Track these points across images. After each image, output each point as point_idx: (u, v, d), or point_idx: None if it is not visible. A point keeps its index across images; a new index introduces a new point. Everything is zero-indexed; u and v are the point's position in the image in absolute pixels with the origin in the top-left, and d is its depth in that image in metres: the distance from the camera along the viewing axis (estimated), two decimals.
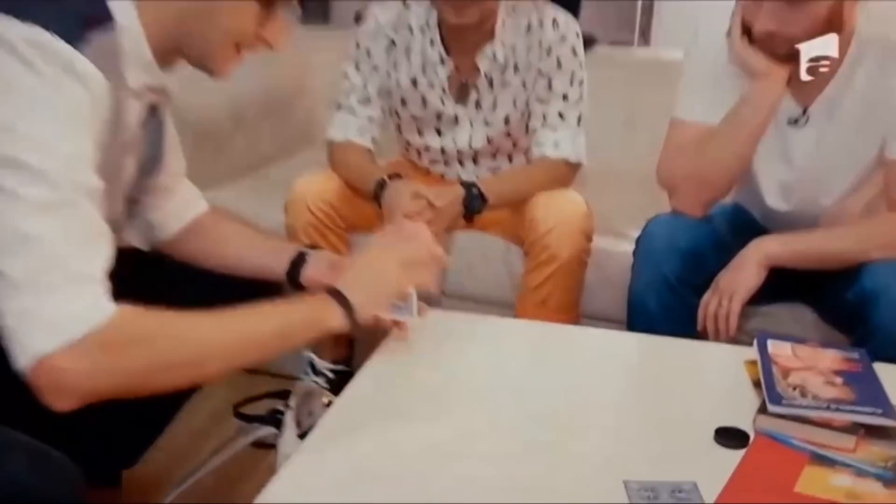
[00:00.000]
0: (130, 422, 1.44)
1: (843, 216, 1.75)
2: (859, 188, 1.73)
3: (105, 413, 1.06)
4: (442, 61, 2.02)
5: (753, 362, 1.36)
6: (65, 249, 0.99)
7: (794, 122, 1.72)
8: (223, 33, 1.20)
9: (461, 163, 2.13)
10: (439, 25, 2.01)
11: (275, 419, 1.55)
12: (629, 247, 1.78)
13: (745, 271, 1.65)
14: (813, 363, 1.33)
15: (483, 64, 2.01)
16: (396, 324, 1.37)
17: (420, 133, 2.12)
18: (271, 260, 1.46)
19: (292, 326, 1.17)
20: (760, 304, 1.75)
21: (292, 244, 1.59)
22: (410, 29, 2.04)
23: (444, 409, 1.25)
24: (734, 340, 1.63)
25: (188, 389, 1.47)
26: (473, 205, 1.95)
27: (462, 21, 1.91)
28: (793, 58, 1.61)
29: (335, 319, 1.20)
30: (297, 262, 1.45)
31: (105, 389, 1.01)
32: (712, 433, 1.19)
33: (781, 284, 1.70)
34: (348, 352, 2.12)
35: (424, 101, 2.07)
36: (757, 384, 1.31)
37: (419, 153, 2.17)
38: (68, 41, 1.02)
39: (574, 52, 2.00)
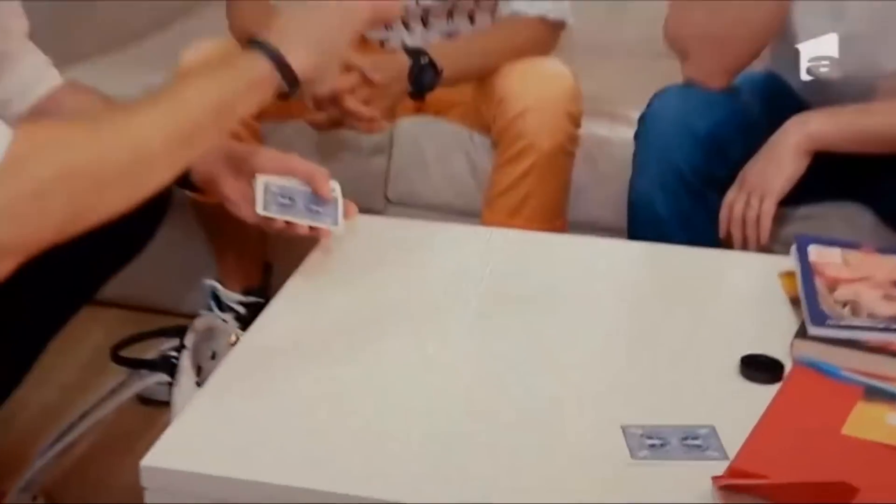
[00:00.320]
0: None
1: None
2: None
3: None
4: None
5: (791, 274, 1.37)
6: None
7: None
8: None
9: (406, 24, 2.09)
10: None
11: (168, 364, 1.55)
12: (629, 132, 1.78)
13: (781, 160, 1.66)
14: (869, 273, 1.34)
15: None
16: (314, 231, 1.35)
17: None
18: None
19: (235, 93, 1.17)
20: (800, 203, 1.77)
21: None
22: None
23: (381, 345, 1.25)
24: (766, 250, 1.64)
25: (46, 327, 1.45)
26: (423, 78, 1.92)
27: None
28: None
29: (275, 77, 1.20)
30: None
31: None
32: (737, 364, 1.20)
33: (828, 178, 1.70)
34: (262, 279, 2.13)
35: None
36: (795, 301, 1.31)
37: None
38: None
39: None
